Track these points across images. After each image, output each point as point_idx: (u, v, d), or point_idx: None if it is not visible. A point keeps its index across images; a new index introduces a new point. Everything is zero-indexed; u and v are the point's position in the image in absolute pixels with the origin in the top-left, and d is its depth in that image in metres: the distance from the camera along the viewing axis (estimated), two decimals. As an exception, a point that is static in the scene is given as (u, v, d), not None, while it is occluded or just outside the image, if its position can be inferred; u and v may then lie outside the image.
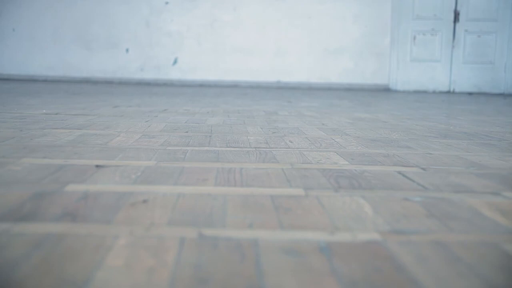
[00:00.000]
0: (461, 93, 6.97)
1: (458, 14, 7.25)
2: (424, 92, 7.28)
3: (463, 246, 0.65)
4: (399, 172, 1.13)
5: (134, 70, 7.84)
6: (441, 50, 7.39)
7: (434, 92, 7.20)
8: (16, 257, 0.58)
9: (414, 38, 7.51)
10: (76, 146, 1.41)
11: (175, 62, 7.82)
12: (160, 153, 1.31)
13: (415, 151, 1.47)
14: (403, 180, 1.05)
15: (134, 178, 1.00)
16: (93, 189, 0.90)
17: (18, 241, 0.63)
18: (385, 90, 7.53)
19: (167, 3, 7.74)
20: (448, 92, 7.81)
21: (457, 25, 7.30)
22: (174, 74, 7.82)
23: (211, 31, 7.76)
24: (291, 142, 1.59)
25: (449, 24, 7.36)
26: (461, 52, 7.42)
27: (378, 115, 2.78)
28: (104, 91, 4.88)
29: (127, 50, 7.81)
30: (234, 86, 7.55)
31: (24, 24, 7.81)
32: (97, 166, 1.12)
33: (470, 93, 7.09)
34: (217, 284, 0.51)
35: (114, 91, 5.04)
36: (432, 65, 7.52)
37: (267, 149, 1.44)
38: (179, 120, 2.22)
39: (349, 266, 0.57)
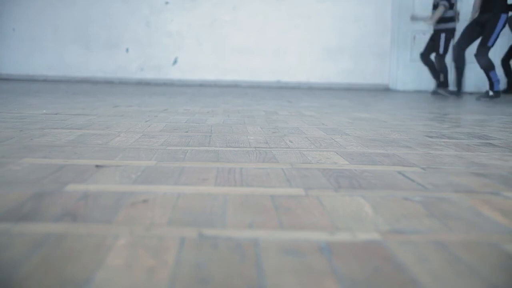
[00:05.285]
0: (462, 93, 6.96)
1: (458, 13, 7.24)
2: (424, 92, 7.27)
3: (463, 246, 0.65)
4: (399, 172, 1.13)
5: (134, 70, 7.84)
6: (441, 50, 7.37)
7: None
8: (17, 257, 0.58)
9: (414, 38, 7.50)
10: (76, 146, 1.41)
11: (175, 62, 7.82)
12: (160, 153, 1.31)
13: (415, 151, 1.47)
14: (403, 180, 1.05)
15: (134, 178, 1.00)
16: (93, 189, 0.90)
17: (18, 241, 0.63)
18: (385, 90, 7.54)
19: (167, 3, 7.74)
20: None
21: (457, 24, 7.30)
22: (174, 74, 7.82)
23: (211, 31, 7.76)
24: (291, 142, 1.59)
25: (449, 24, 7.34)
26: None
27: (378, 115, 2.78)
28: (104, 91, 4.88)
29: (127, 50, 7.81)
30: (234, 86, 7.55)
31: (24, 24, 7.81)
32: (97, 166, 1.12)
33: (470, 93, 7.09)
34: (217, 284, 0.51)
35: (114, 91, 5.04)
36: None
37: (267, 149, 1.44)
38: (179, 120, 2.23)
39: (349, 266, 0.57)
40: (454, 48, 5.17)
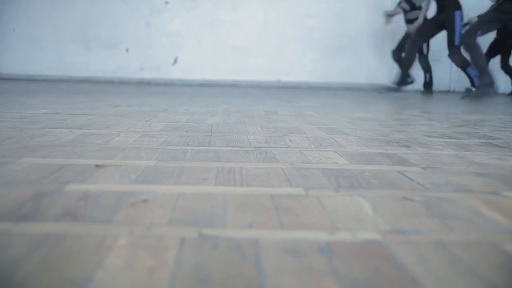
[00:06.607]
0: (461, 93, 6.96)
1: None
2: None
3: (463, 246, 0.65)
4: (399, 172, 1.13)
5: (134, 70, 7.84)
6: (440, 49, 7.37)
7: (434, 92, 7.20)
8: (16, 257, 0.58)
9: (414, 37, 7.49)
10: (76, 145, 1.41)
11: (175, 62, 7.82)
12: (160, 153, 1.31)
13: (415, 150, 1.47)
14: (403, 180, 1.05)
15: (134, 178, 1.00)
16: (93, 189, 0.90)
17: (18, 241, 0.63)
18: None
19: (167, 3, 7.74)
20: (448, 91, 7.82)
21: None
22: (174, 73, 7.82)
23: (211, 31, 7.76)
24: (291, 141, 1.59)
25: (449, 24, 7.33)
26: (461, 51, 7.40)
27: (378, 114, 2.78)
28: (104, 91, 4.88)
29: (127, 50, 7.82)
30: (234, 86, 7.55)
31: (24, 24, 7.81)
32: (97, 165, 1.12)
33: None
34: (217, 284, 0.51)
35: (114, 91, 5.05)
36: (432, 65, 7.52)
37: (267, 148, 1.44)
38: (179, 119, 2.23)
39: (349, 266, 0.57)
40: (408, 43, 5.45)
